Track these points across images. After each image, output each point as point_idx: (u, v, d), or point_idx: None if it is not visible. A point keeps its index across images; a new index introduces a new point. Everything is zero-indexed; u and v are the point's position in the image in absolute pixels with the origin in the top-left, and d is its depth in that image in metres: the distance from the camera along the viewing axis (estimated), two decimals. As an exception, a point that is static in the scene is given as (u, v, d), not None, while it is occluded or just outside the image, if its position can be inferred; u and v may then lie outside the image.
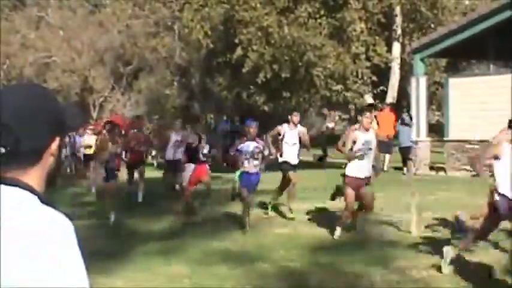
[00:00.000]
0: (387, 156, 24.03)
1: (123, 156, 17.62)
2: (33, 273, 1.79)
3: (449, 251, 9.07)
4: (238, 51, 31.64)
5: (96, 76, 47.13)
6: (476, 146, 22.46)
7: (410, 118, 24.72)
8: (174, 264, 9.94)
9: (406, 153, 23.82)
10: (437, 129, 34.03)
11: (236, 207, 14.10)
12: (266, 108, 34.92)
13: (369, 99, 32.03)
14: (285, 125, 14.28)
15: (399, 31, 31.83)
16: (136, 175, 18.31)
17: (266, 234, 12.40)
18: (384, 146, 24.49)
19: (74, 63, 46.70)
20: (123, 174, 17.72)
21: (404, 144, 23.98)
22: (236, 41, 31.71)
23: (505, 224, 9.57)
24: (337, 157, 19.46)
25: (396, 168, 23.38)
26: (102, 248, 11.19)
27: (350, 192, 11.40)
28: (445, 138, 24.53)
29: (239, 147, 12.82)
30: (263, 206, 14.88)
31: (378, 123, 25.31)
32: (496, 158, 8.71)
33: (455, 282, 8.71)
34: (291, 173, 14.00)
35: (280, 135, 14.24)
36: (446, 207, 12.78)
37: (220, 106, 42.73)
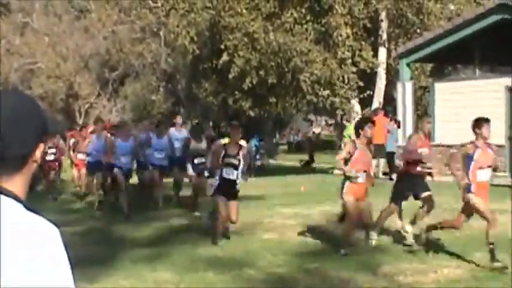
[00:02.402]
0: (381, 161, 24.05)
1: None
2: (21, 278, 1.79)
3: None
4: (224, 56, 31.64)
5: (82, 82, 47.01)
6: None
7: (397, 123, 24.68)
8: (161, 271, 9.88)
9: (391, 158, 23.83)
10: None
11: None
12: (252, 113, 34.91)
13: (355, 104, 32.06)
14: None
15: (385, 36, 31.88)
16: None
17: (253, 240, 12.35)
18: (376, 151, 24.56)
19: (59, 69, 46.56)
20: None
21: (389, 149, 23.99)
22: (222, 46, 31.71)
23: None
24: (323, 161, 19.43)
25: (384, 174, 23.39)
26: (88, 255, 11.10)
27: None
28: (431, 143, 24.55)
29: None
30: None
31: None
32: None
33: (442, 287, 8.69)
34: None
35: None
36: (432, 211, 12.75)
37: (207, 112, 42.73)
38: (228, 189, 12.03)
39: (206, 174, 15.56)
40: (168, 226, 14.39)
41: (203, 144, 15.86)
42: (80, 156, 20.50)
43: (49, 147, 19.38)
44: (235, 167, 12.09)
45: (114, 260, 10.70)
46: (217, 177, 12.28)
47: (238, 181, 12.11)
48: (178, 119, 18.61)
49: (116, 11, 44.83)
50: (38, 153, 2.02)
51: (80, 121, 46.29)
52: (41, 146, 2.03)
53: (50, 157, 19.92)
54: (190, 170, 15.60)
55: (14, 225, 1.85)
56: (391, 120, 25.30)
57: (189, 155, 15.59)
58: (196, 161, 15.67)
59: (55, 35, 47.37)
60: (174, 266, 10.16)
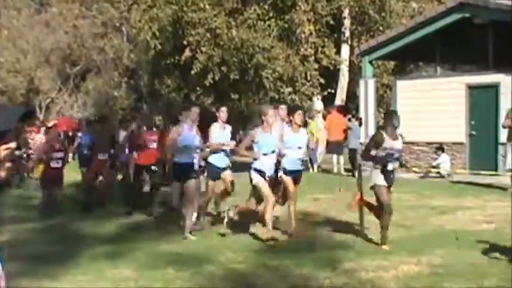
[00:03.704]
0: (341, 157, 24.14)
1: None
2: None
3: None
4: (187, 52, 31.47)
5: (42, 77, 46.54)
6: (424, 148, 22.68)
7: (359, 120, 24.76)
8: (121, 267, 9.79)
9: (353, 155, 23.90)
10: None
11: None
12: (214, 110, 34.77)
13: (317, 101, 32.10)
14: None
15: (348, 33, 32.00)
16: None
17: (214, 236, 12.29)
18: (334, 147, 24.65)
19: (20, 63, 46.04)
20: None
21: (352, 146, 24.06)
22: (185, 42, 31.53)
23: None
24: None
25: (347, 170, 23.44)
26: (48, 251, 11.02)
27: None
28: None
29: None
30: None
31: (326, 126, 25.44)
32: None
33: (402, 283, 8.69)
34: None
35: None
36: (394, 208, 12.78)
37: (169, 108, 42.50)
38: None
39: None
40: (129, 223, 14.29)
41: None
42: None
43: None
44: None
45: (73, 256, 10.58)
46: None
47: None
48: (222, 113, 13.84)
49: (77, 5, 44.46)
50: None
51: (41, 116, 45.83)
52: None
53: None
54: None
55: None
56: (349, 117, 25.38)
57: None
58: None
59: (15, 29, 46.81)
60: (134, 263, 10.08)
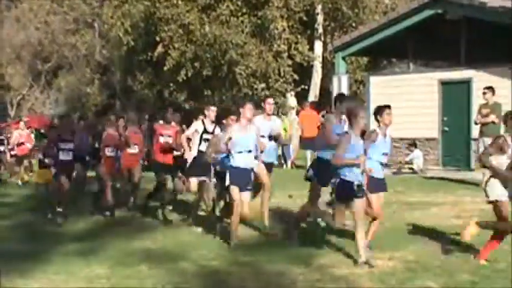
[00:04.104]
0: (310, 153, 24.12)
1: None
2: None
3: None
4: (160, 48, 31.38)
5: (13, 73, 46.10)
6: (397, 144, 22.71)
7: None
8: (93, 265, 9.71)
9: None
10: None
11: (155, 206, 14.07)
12: (187, 106, 34.69)
13: (291, 98, 32.10)
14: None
15: (321, 30, 31.99)
16: None
17: (187, 233, 12.23)
18: (308, 143, 24.62)
19: (-10, 59, 45.61)
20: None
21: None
22: (157, 38, 31.42)
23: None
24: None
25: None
26: (19, 249, 10.94)
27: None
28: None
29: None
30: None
31: (300, 122, 25.41)
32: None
33: (376, 279, 8.68)
34: None
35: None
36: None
37: (142, 104, 42.33)
38: None
39: None
40: (102, 220, 14.19)
41: None
42: None
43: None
44: None
45: (45, 254, 10.49)
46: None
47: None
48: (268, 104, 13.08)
49: (48, 1, 44.11)
50: None
51: (12, 113, 45.44)
52: None
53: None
54: None
55: None
56: (323, 114, 25.35)
57: None
58: None
59: (-16, 25, 46.37)
60: (107, 260, 10.00)
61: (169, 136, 14.41)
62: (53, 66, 47.20)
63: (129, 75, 40.11)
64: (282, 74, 30.90)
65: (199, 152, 13.11)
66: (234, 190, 10.92)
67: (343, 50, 25.97)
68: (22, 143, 23.07)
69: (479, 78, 21.23)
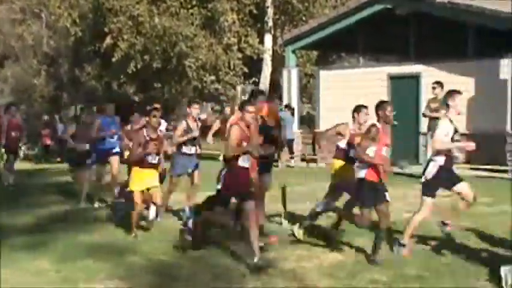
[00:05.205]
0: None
1: None
2: None
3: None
4: (108, 40, 31.05)
5: (-43, 64, 45.26)
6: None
7: (290, 110, 24.64)
8: (41, 259, 9.56)
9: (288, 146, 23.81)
10: (308, 121, 34.48)
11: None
12: (137, 98, 34.44)
13: (240, 90, 32.04)
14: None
15: (271, 23, 31.99)
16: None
17: (137, 226, 12.10)
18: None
19: None
20: None
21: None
22: (106, 29, 31.08)
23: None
24: (209, 148, 19.24)
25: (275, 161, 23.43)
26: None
27: None
28: (316, 130, 24.77)
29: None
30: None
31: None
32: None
33: (325, 272, 8.67)
34: None
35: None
36: (313, 198, 12.78)
37: (90, 96, 41.87)
38: None
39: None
40: (49, 213, 14.00)
41: None
42: None
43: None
44: None
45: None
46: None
47: None
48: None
49: (-6, -10, 43.36)
50: None
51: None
52: None
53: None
54: None
55: None
56: (281, 107, 25.31)
57: None
58: None
59: None
60: (55, 254, 9.87)
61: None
62: (-2, 57, 46.45)
63: (77, 67, 39.67)
64: (232, 66, 30.84)
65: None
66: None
67: (293, 43, 26.02)
68: None
69: (428, 73, 21.44)
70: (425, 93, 20.55)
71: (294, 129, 24.46)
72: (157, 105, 14.05)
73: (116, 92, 37.02)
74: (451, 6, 21.03)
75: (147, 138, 11.37)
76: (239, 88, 31.25)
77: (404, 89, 22.67)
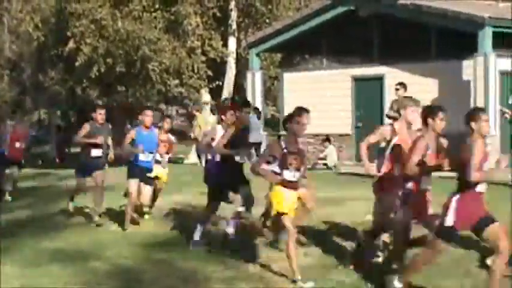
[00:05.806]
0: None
1: None
2: None
3: None
4: (71, 44, 30.79)
5: None
6: (311, 140, 22.86)
7: (257, 113, 24.58)
8: (3, 265, 9.44)
9: (258, 150, 23.76)
10: (272, 124, 34.52)
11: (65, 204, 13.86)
12: (100, 102, 34.19)
13: (205, 94, 31.95)
14: None
15: (235, 26, 31.93)
16: None
17: (99, 231, 12.04)
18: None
19: None
20: None
21: (253, 140, 23.93)
22: (69, 33, 30.83)
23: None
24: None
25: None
26: None
27: None
28: (280, 133, 24.76)
29: None
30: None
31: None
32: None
33: (292, 274, 8.67)
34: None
35: None
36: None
37: (54, 101, 41.53)
38: None
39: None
40: (12, 218, 13.86)
41: None
42: None
43: None
44: None
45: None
46: None
47: None
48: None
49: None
50: None
51: None
52: None
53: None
54: None
55: None
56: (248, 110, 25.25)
57: None
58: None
59: None
60: (17, 260, 9.81)
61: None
62: (-40, 62, 45.90)
63: (40, 71, 39.29)
64: (196, 70, 30.72)
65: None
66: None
67: (257, 46, 26.07)
68: None
69: (391, 75, 21.55)
70: (389, 95, 20.65)
71: (261, 132, 24.41)
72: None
73: (79, 97, 36.73)
74: (412, 7, 21.18)
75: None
76: (203, 91, 31.11)
77: (368, 91, 22.79)
